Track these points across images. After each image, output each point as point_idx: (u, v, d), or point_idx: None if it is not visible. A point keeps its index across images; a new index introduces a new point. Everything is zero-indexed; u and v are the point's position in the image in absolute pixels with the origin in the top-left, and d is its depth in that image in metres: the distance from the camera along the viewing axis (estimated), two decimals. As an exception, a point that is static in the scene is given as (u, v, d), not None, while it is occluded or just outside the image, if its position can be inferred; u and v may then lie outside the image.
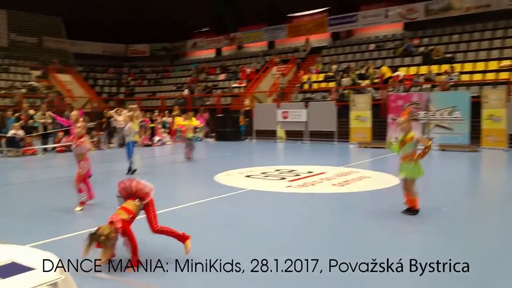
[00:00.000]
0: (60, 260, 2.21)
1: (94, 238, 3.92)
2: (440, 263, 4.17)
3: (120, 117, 18.00)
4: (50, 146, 15.96)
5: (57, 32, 29.11)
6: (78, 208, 6.61)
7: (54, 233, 5.24)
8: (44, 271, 2.00)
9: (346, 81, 21.38)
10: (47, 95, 26.04)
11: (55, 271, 2.05)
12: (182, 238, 4.47)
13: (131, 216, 4.25)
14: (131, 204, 4.31)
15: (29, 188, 8.78)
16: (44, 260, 2.16)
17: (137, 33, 34.46)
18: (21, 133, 14.42)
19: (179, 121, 20.69)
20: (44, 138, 16.17)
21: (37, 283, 1.85)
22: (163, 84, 33.10)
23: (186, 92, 28.78)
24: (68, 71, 30.14)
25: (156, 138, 19.07)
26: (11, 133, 14.06)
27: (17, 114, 16.17)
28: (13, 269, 2.00)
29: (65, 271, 2.22)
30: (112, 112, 17.16)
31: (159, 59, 36.51)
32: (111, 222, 4.09)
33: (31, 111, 16.52)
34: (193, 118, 13.50)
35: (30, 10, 26.84)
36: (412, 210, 6.06)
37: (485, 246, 4.83)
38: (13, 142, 14.07)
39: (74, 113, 8.89)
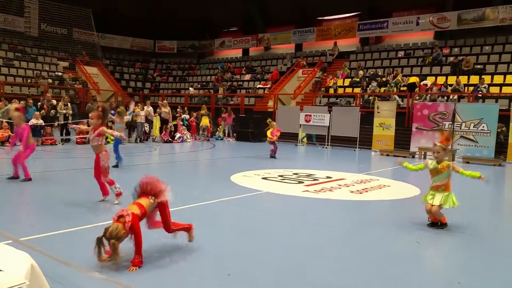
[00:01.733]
0: (31, 262, 2.02)
1: (102, 242, 3.79)
2: (459, 283, 3.91)
3: (142, 112, 18.16)
4: (69, 137, 16.13)
5: (86, 24, 29.53)
6: (116, 202, 6.40)
7: (58, 227, 5.15)
8: (10, 273, 1.81)
9: (374, 87, 20.96)
10: (73, 86, 26.39)
11: (23, 274, 1.86)
12: (188, 229, 4.56)
13: (142, 212, 4.10)
14: (144, 201, 4.17)
15: (45, 178, 8.78)
16: (13, 261, 1.98)
17: (166, 30, 34.70)
18: (41, 122, 14.54)
19: (206, 121, 20.74)
20: (64, 128, 16.28)
21: (-5, 288, 1.66)
22: (188, 81, 33.22)
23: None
24: (95, 64, 30.54)
25: (177, 135, 19.06)
26: (32, 122, 14.17)
27: (39, 104, 16.34)
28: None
29: (38, 273, 2.04)
30: (133, 106, 17.28)
31: (186, 56, 36.70)
32: (120, 216, 3.94)
33: (54, 101, 16.67)
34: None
35: (61, 1, 27.28)
36: (443, 224, 5.85)
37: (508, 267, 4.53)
38: (34, 131, 14.13)
39: (15, 114, 8.30)
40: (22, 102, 15.61)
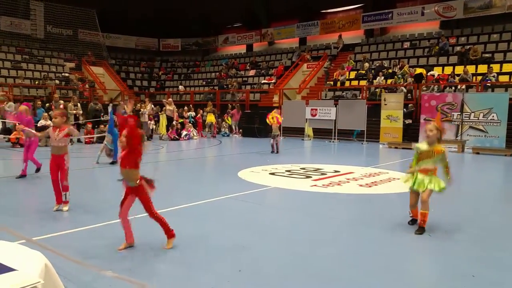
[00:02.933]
0: (45, 261, 2.04)
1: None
2: (474, 276, 3.89)
3: (148, 107, 18.21)
4: (77, 137, 16.22)
5: (91, 25, 29.62)
6: (66, 209, 5.89)
7: (70, 226, 5.19)
8: (24, 273, 1.83)
9: (380, 80, 20.87)
10: (83, 84, 26.58)
11: (37, 274, 1.87)
12: (170, 233, 4.45)
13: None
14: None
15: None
16: (27, 260, 1.99)
17: (170, 28, 34.71)
18: (50, 123, 14.65)
19: (212, 117, 20.85)
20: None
21: (11, 288, 1.67)
22: (193, 78, 33.25)
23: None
24: (101, 64, 30.65)
25: (184, 133, 19.09)
26: (40, 123, 14.28)
27: (47, 105, 16.45)
28: (-11, 269, 1.84)
29: (52, 272, 2.06)
30: (138, 104, 17.37)
31: (190, 54, 36.71)
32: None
33: (61, 102, 16.78)
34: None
35: (66, 2, 27.38)
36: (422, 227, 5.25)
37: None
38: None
39: (21, 108, 8.85)
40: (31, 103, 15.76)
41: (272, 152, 13.74)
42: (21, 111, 8.74)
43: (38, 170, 8.64)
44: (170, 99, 21.01)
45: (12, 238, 4.32)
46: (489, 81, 17.85)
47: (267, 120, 14.06)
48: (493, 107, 15.12)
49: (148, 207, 4.33)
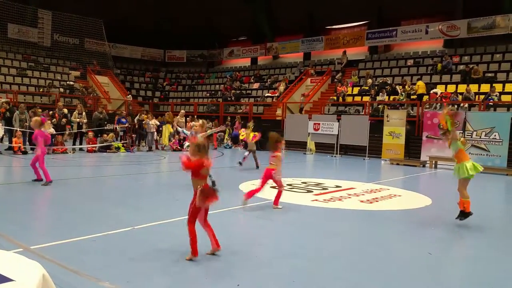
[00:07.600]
0: (43, 272, 2.03)
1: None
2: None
3: (152, 121, 18.28)
4: (79, 146, 16.30)
5: (98, 34, 29.89)
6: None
7: (68, 235, 5.18)
8: (22, 283, 1.82)
9: (384, 97, 20.93)
10: (88, 94, 26.72)
11: (35, 284, 1.87)
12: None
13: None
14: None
15: (56, 187, 8.85)
16: (25, 270, 1.99)
17: (176, 39, 35.00)
18: (52, 131, 14.70)
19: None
20: (77, 137, 16.45)
21: (8, 299, 1.67)
22: (197, 90, 33.43)
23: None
24: (106, 73, 30.84)
25: (186, 144, 19.11)
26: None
27: (51, 113, 16.52)
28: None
29: (49, 283, 2.05)
30: (143, 115, 17.43)
31: (195, 66, 36.95)
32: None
33: (65, 110, 16.86)
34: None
35: (73, 12, 27.68)
36: (463, 214, 6.22)
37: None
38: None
39: (36, 118, 9.19)
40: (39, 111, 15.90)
41: (241, 164, 13.60)
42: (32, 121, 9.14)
43: (47, 183, 8.47)
44: (183, 111, 21.24)
45: (10, 246, 4.32)
46: (491, 100, 17.90)
47: (242, 137, 13.88)
48: (495, 126, 15.13)
49: (189, 214, 4.69)
